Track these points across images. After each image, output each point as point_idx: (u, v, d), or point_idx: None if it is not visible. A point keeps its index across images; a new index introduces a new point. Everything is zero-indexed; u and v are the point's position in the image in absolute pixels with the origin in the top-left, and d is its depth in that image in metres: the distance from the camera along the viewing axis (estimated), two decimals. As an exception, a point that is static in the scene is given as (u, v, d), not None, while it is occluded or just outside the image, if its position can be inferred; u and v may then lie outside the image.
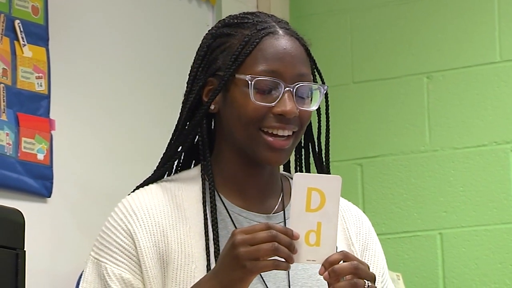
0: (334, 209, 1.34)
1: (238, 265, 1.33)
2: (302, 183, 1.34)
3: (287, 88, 1.46)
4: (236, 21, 1.51)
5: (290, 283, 1.47)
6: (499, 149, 3.09)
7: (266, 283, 1.46)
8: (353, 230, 1.55)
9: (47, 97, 2.55)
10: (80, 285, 1.48)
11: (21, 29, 2.51)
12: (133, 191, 1.52)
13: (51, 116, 2.56)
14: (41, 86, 2.54)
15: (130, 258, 1.45)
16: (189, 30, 3.09)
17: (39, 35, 2.55)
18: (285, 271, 1.46)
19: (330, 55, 3.27)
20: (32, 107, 2.52)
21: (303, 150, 1.57)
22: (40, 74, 2.55)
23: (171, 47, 3.01)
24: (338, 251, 1.42)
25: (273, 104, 1.45)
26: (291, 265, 1.35)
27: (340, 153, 1.51)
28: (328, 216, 1.34)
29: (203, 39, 1.53)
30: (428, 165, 3.17)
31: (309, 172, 1.53)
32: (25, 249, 2.13)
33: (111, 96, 2.77)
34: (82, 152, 2.66)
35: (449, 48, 3.17)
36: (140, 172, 2.76)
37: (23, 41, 2.51)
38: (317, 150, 1.56)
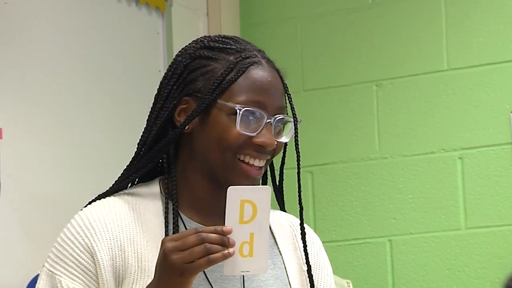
0: (265, 219, 1.37)
1: (174, 272, 1.35)
2: (235, 195, 1.36)
3: (268, 120, 1.49)
4: (217, 45, 1.52)
5: None
6: (447, 156, 3.12)
7: None
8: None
9: (-6, 105, 2.52)
10: None
11: (-33, 36, 2.47)
12: (90, 202, 1.51)
13: (-2, 124, 2.52)
14: (-13, 93, 2.50)
15: (86, 274, 1.45)
16: (139, 38, 3.06)
17: (-15, 42, 2.51)
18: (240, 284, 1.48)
19: (280, 63, 3.22)
20: (-22, 115, 2.48)
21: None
22: (-14, 82, 2.51)
23: (121, 54, 2.98)
24: (290, 270, 1.44)
25: (254, 134, 1.48)
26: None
27: (291, 161, 1.52)
28: (260, 226, 1.37)
29: (178, 57, 1.53)
30: (378, 172, 3.18)
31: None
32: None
33: (58, 103, 2.74)
34: (29, 161, 2.62)
35: (397, 56, 3.20)
36: (87, 180, 2.73)
37: (-31, 48, 2.47)
38: (277, 179, 1.60)
